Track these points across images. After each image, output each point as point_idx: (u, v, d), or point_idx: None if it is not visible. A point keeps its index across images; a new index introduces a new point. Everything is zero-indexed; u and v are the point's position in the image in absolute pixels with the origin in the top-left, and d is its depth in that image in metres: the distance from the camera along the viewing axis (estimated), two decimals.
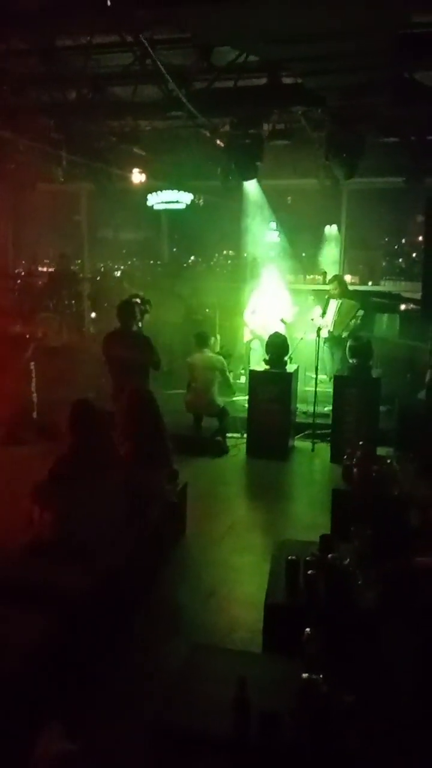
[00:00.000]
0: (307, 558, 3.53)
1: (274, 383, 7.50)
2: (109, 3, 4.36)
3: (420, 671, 2.97)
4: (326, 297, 8.69)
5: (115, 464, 4.26)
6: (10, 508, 4.37)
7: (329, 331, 8.40)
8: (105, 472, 4.09)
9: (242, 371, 9.12)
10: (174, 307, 9.69)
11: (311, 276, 9.97)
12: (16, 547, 3.89)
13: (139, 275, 11.04)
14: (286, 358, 7.68)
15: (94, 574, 3.60)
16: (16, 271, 11.45)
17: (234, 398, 8.55)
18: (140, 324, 7.08)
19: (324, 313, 8.46)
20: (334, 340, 8.48)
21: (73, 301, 10.49)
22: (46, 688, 2.98)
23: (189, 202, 9.19)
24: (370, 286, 10.12)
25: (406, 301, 9.49)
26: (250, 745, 2.31)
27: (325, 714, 2.32)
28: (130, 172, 8.97)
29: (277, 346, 7.60)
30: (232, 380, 8.79)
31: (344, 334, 8.26)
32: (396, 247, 12.02)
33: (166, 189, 9.05)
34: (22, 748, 2.11)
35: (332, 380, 7.81)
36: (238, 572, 4.88)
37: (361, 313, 8.39)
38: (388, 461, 5.30)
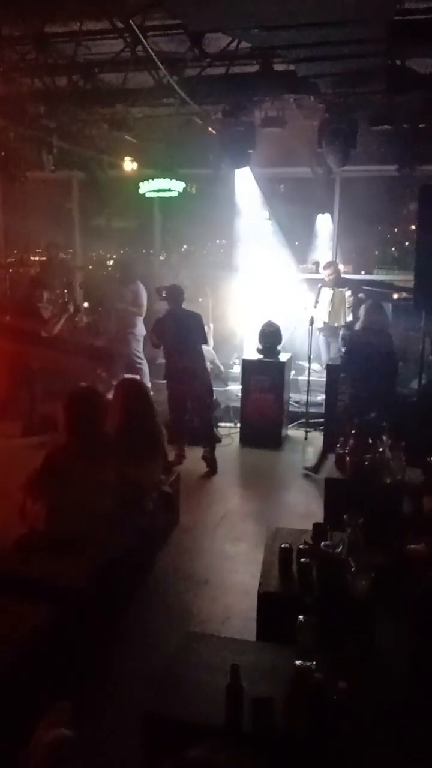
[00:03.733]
0: (300, 546, 3.55)
1: (267, 372, 7.50)
2: None
3: (412, 658, 3.00)
4: (319, 286, 8.68)
5: (109, 455, 4.25)
6: (4, 500, 4.35)
7: (324, 322, 8.40)
8: (99, 464, 4.07)
9: (235, 360, 9.12)
10: None
11: (303, 265, 9.94)
12: (10, 540, 3.88)
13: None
14: (279, 347, 7.69)
15: (90, 566, 3.60)
16: (8, 260, 11.37)
17: (227, 387, 8.56)
18: None
19: (316, 302, 8.46)
20: (329, 329, 8.48)
21: (66, 291, 10.43)
22: (42, 677, 2.99)
23: (181, 190, 9.14)
24: (362, 275, 10.10)
25: (399, 290, 9.49)
26: (243, 732, 2.33)
27: (319, 701, 2.33)
28: (122, 160, 8.91)
29: (270, 335, 7.60)
30: (223, 370, 8.81)
31: (348, 319, 8.24)
32: (389, 235, 11.98)
33: (158, 177, 8.99)
34: (18, 738, 2.12)
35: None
36: (232, 561, 4.90)
37: (348, 293, 8.37)
38: (381, 450, 5.33)
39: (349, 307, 8.29)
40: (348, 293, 8.36)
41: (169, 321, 6.80)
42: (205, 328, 7.03)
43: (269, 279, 8.83)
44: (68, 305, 8.24)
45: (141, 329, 8.77)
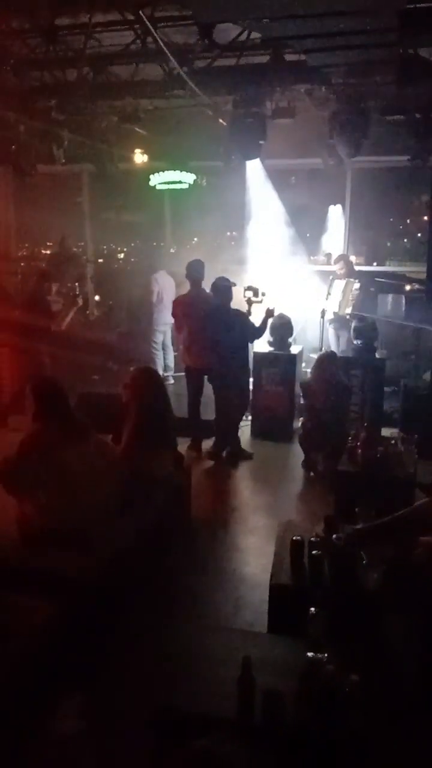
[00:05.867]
0: (312, 539, 3.55)
1: (278, 365, 7.49)
2: None
3: (423, 652, 2.99)
4: (330, 278, 8.64)
5: (85, 429, 4.13)
6: None
7: (335, 312, 8.36)
8: (76, 437, 3.95)
9: None
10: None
11: (315, 257, 9.90)
12: (18, 534, 3.88)
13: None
14: (290, 340, 7.67)
15: (99, 558, 3.61)
16: (19, 254, 11.41)
17: None
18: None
19: (328, 294, 8.42)
20: (340, 321, 8.44)
21: (77, 284, 10.46)
22: (53, 671, 3.01)
23: (191, 183, 9.12)
24: (374, 267, 10.05)
25: (411, 281, 9.44)
26: (254, 723, 2.34)
27: (330, 694, 2.33)
28: (132, 152, 8.90)
29: (281, 328, 7.57)
30: None
31: (347, 311, 8.21)
32: (401, 227, 11.90)
33: (168, 169, 8.98)
34: (30, 730, 2.13)
35: None
36: (243, 553, 4.91)
37: (357, 285, 8.33)
38: (393, 442, 5.32)
39: (352, 300, 8.25)
40: (356, 285, 8.31)
41: (213, 318, 6.61)
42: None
43: (280, 271, 8.79)
44: (77, 298, 8.27)
45: (160, 318, 8.83)
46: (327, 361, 6.54)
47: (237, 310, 6.73)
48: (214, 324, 6.58)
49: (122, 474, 4.20)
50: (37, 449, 3.78)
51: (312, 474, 6.42)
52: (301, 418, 6.81)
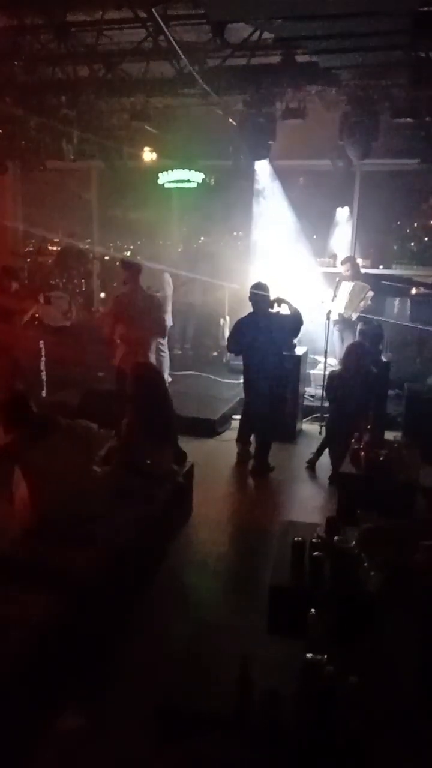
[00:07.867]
0: (313, 540, 3.55)
1: (283, 365, 7.46)
2: None
3: (423, 655, 2.99)
4: (337, 279, 8.63)
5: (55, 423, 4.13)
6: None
7: (339, 314, 8.35)
8: (48, 445, 3.92)
9: None
10: (193, 290, 9.77)
11: (321, 258, 9.89)
12: (18, 530, 3.88)
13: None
14: (294, 341, 7.65)
15: (102, 554, 3.61)
16: (26, 249, 11.41)
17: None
18: None
19: (335, 296, 8.41)
20: (345, 323, 8.43)
21: (83, 280, 10.48)
22: (55, 667, 3.01)
23: (200, 182, 9.11)
24: (381, 270, 10.04)
25: (418, 284, 9.43)
26: (252, 724, 2.34)
27: (328, 695, 2.33)
28: (142, 150, 8.90)
29: None
30: None
31: (354, 316, 8.21)
32: (408, 230, 11.86)
33: (177, 168, 8.98)
34: (31, 726, 2.12)
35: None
36: (244, 553, 4.91)
37: (370, 294, 8.33)
38: (396, 446, 5.31)
39: (362, 307, 8.23)
40: (370, 294, 8.30)
41: (248, 325, 6.41)
42: (221, 322, 6.81)
43: (286, 271, 8.78)
44: (38, 296, 8.17)
45: (168, 319, 8.81)
46: (358, 349, 6.48)
47: (273, 314, 6.50)
48: (246, 331, 6.38)
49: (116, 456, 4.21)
50: (3, 458, 3.87)
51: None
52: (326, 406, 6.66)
